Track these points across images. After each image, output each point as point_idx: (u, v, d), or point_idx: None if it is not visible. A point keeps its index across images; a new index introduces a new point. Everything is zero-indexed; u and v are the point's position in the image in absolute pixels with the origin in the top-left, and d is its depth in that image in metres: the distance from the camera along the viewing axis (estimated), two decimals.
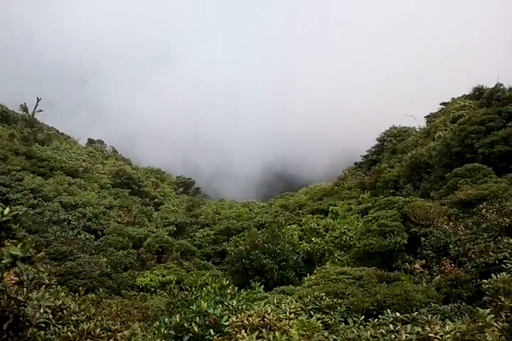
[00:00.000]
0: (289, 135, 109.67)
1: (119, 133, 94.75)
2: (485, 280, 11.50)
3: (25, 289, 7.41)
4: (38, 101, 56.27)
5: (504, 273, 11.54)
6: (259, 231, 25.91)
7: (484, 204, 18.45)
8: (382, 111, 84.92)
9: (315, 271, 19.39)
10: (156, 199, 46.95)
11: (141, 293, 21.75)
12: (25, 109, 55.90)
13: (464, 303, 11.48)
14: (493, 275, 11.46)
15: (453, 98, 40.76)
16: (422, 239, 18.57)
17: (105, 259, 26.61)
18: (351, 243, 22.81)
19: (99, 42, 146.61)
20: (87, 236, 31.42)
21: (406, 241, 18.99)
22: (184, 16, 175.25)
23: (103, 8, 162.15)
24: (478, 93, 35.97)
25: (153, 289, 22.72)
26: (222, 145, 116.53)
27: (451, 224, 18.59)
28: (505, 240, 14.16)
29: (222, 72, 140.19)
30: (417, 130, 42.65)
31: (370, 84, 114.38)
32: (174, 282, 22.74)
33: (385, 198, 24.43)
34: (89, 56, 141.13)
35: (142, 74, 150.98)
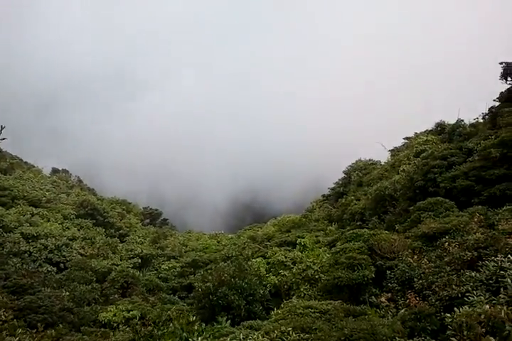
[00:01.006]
0: (257, 167, 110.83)
1: (83, 163, 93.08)
2: (448, 315, 11.73)
3: None
4: (1, 129, 55.19)
5: (467, 306, 11.83)
6: (226, 264, 25.63)
7: (447, 237, 18.84)
8: (350, 142, 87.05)
9: (282, 305, 19.26)
10: (121, 231, 45.98)
11: (103, 329, 21.02)
12: None
13: (428, 337, 11.62)
14: (456, 309, 11.70)
15: (416, 133, 42.12)
16: (388, 271, 18.77)
17: (67, 293, 25.72)
18: (317, 276, 22.82)
19: (68, 72, 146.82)
20: (49, 269, 30.44)
21: (373, 275, 19.12)
22: (157, 47, 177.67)
23: (74, 37, 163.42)
24: (440, 128, 37.33)
25: (115, 325, 22.00)
26: (189, 178, 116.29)
27: (415, 257, 18.86)
28: (467, 273, 14.46)
29: (191, 105, 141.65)
30: (382, 163, 43.67)
31: (336, 115, 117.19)
32: (138, 317, 22.11)
33: (352, 231, 24.68)
34: (56, 85, 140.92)
35: (110, 105, 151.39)
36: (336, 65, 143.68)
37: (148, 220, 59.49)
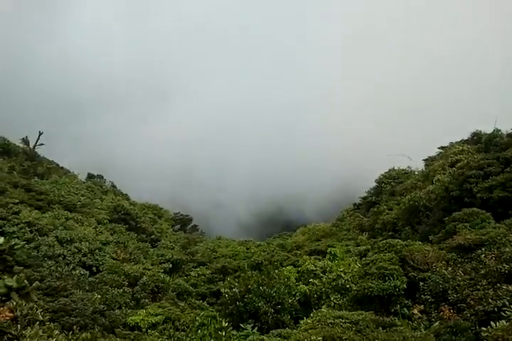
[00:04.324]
0: (283, 176, 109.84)
1: (107, 169, 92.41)
2: (484, 328, 11.40)
3: (19, 325, 7.30)
4: (39, 135, 56.75)
5: (503, 321, 11.46)
6: (255, 271, 25.54)
7: (483, 249, 18.39)
8: (376, 151, 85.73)
9: (311, 315, 19.08)
10: (152, 236, 46.53)
11: (136, 332, 21.27)
12: (26, 142, 56.36)
13: None
14: (492, 323, 11.36)
15: (451, 142, 41.42)
16: (421, 283, 18.39)
17: (99, 296, 26.13)
18: (347, 286, 22.55)
19: (96, 76, 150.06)
20: (82, 272, 30.93)
21: (405, 286, 18.78)
22: (189, 56, 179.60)
23: (106, 42, 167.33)
24: (476, 138, 36.58)
25: (144, 329, 22.21)
26: (213, 187, 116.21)
27: (449, 269, 18.44)
28: (504, 287, 14.06)
29: (220, 113, 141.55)
30: (416, 173, 42.97)
31: (362, 124, 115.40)
32: (170, 322, 22.29)
33: (384, 241, 24.30)
34: (85, 89, 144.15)
35: (140, 110, 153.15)
36: (372, 69, 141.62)
37: (178, 226, 60.07)
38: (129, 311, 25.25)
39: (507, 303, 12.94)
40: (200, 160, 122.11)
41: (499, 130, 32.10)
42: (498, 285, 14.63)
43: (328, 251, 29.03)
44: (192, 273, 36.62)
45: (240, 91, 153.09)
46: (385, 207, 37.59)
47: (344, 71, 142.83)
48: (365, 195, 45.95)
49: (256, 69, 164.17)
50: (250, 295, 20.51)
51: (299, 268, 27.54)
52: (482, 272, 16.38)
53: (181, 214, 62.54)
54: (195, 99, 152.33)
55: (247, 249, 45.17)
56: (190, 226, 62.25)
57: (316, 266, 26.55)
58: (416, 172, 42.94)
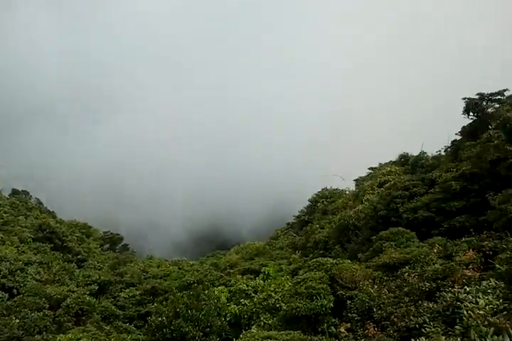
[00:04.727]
0: (218, 197, 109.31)
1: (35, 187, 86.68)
2: None
3: None
4: None
5: (423, 337, 11.76)
6: (183, 293, 24.77)
7: (407, 268, 18.93)
8: (307, 172, 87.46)
9: (241, 335, 18.79)
10: (79, 256, 44.59)
11: None
12: None
13: None
14: (412, 339, 11.62)
15: (380, 163, 43.04)
16: (348, 301, 18.60)
17: (17, 321, 24.50)
18: (278, 305, 22.47)
19: (31, 93, 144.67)
20: (0, 295, 28.99)
21: (332, 305, 18.92)
22: (124, 70, 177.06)
23: (39, 58, 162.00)
24: (404, 160, 38.24)
25: None
26: (147, 206, 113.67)
27: (376, 287, 18.79)
28: (425, 304, 14.48)
29: (155, 131, 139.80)
30: (347, 192, 44.13)
31: (294, 145, 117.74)
32: None
33: (314, 259, 24.51)
34: (18, 105, 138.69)
35: (73, 127, 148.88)
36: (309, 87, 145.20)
37: (108, 245, 57.99)
38: (50, 336, 23.83)
39: (427, 320, 13.30)
40: (134, 179, 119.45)
41: (425, 152, 33.80)
42: (420, 302, 15.05)
43: (262, 270, 28.95)
44: (121, 295, 35.22)
45: (175, 110, 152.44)
46: (317, 225, 38.22)
47: (288, 91, 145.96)
48: (299, 213, 46.58)
49: (195, 88, 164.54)
50: (178, 321, 19.89)
51: (231, 288, 27.22)
52: (405, 290, 16.80)
53: (111, 233, 60.42)
54: (128, 118, 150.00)
55: (180, 268, 44.23)
56: (120, 245, 60.18)
57: (248, 286, 26.35)
58: (347, 192, 44.09)
